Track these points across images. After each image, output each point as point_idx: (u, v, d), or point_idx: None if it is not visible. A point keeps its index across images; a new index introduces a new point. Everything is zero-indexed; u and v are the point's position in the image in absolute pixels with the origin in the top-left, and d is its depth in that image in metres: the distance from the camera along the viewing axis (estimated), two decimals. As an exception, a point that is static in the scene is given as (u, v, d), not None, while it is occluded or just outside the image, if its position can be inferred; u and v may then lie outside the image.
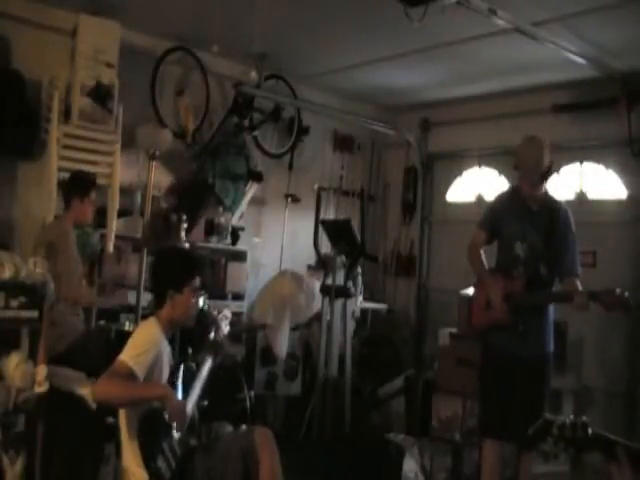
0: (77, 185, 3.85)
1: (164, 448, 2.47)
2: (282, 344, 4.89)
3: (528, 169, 3.32)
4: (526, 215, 3.37)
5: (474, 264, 3.56)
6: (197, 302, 2.83)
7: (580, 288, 3.22)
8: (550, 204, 3.39)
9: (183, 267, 2.80)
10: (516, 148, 3.41)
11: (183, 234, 3.94)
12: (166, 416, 2.46)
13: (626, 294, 3.01)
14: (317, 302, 4.98)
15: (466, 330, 3.71)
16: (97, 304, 4.00)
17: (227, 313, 3.41)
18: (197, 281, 2.77)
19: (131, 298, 4.17)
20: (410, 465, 3.92)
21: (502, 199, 3.60)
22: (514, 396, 3.22)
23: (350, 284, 4.81)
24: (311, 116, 6.04)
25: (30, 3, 4.43)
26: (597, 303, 3.07)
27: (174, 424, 2.49)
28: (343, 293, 4.71)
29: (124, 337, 2.87)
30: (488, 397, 3.42)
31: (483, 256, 3.55)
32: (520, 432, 3.12)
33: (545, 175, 3.32)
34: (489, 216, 3.58)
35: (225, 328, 3.33)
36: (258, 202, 5.89)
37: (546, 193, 3.43)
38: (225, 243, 5.30)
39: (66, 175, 4.06)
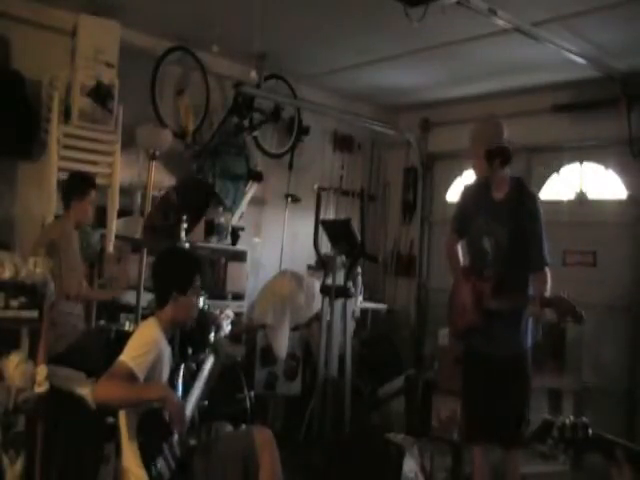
0: (76, 185, 3.85)
1: (164, 448, 2.47)
2: (282, 344, 4.89)
3: (480, 141, 3.19)
4: (491, 208, 3.24)
5: (450, 264, 3.49)
6: (198, 303, 2.83)
7: (549, 281, 3.10)
8: (516, 193, 3.23)
9: (187, 269, 2.79)
10: (473, 128, 3.30)
11: (183, 234, 3.94)
12: (166, 416, 2.46)
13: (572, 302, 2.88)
14: (317, 302, 4.98)
15: (450, 331, 3.66)
16: (98, 298, 4.01)
17: (229, 313, 3.41)
18: (199, 282, 2.77)
19: (131, 298, 4.17)
20: (410, 465, 3.92)
21: (467, 192, 3.47)
22: (495, 397, 3.17)
23: (350, 284, 4.81)
24: (311, 116, 6.04)
25: (30, 3, 4.43)
26: (552, 309, 2.95)
27: (173, 424, 2.49)
28: (343, 293, 4.71)
29: (124, 337, 2.87)
30: (469, 400, 3.37)
31: (460, 253, 3.46)
32: (503, 432, 3.14)
33: (503, 157, 3.17)
34: (456, 214, 3.48)
35: (227, 328, 3.33)
36: (258, 202, 5.89)
37: (513, 180, 3.27)
38: (225, 243, 5.30)
39: (66, 175, 4.06)
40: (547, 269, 3.14)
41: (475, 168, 3.32)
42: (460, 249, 3.47)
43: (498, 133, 3.22)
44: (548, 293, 3.05)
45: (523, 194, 3.24)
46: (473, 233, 3.34)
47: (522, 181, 3.34)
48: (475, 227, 3.32)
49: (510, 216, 3.17)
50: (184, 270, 2.78)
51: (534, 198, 3.27)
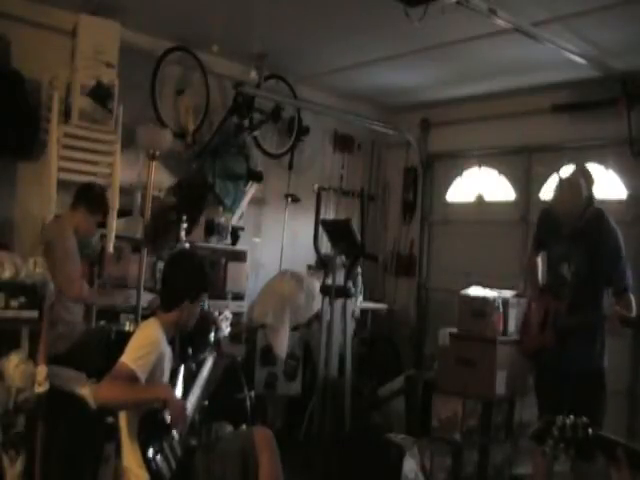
0: (92, 199, 3.83)
1: (164, 448, 2.47)
2: (282, 344, 4.89)
3: (571, 216, 3.35)
4: (570, 235, 3.37)
5: (529, 285, 3.72)
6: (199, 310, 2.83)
7: (633, 303, 3.23)
8: (594, 220, 3.36)
9: (201, 280, 2.82)
10: (553, 195, 3.46)
11: (183, 234, 3.94)
12: (167, 416, 2.46)
13: None
14: (317, 302, 4.98)
15: (522, 349, 3.80)
16: (98, 303, 3.99)
17: (228, 314, 3.41)
18: (206, 295, 2.81)
19: (131, 298, 4.17)
20: (410, 465, 3.92)
21: (545, 217, 3.61)
22: (570, 408, 3.26)
23: (350, 284, 4.81)
24: (311, 116, 6.04)
25: (30, 3, 4.42)
26: (631, 328, 3.20)
27: (175, 424, 2.49)
28: (343, 293, 4.71)
29: (124, 337, 2.87)
30: (543, 410, 3.48)
31: (540, 270, 3.61)
32: None
33: (588, 203, 3.35)
34: (536, 235, 3.64)
35: (226, 329, 3.33)
36: (258, 202, 5.89)
37: (594, 211, 3.41)
38: (225, 243, 5.30)
39: (66, 175, 4.06)
40: (631, 294, 3.26)
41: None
42: (540, 265, 3.61)
43: (581, 199, 3.35)
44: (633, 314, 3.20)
45: (603, 225, 3.37)
46: (552, 259, 3.51)
47: (602, 212, 3.44)
48: (554, 253, 3.48)
49: (591, 242, 3.31)
50: (199, 281, 2.80)
51: (610, 224, 3.39)
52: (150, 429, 2.47)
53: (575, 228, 3.36)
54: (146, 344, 2.55)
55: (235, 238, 5.42)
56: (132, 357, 2.47)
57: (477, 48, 4.70)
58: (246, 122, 5.46)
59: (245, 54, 5.18)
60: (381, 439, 4.15)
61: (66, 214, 3.86)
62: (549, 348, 3.37)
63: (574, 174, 3.49)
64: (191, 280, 2.79)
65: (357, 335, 5.47)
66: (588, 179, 3.41)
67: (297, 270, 5.36)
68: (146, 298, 4.08)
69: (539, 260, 3.63)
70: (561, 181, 3.49)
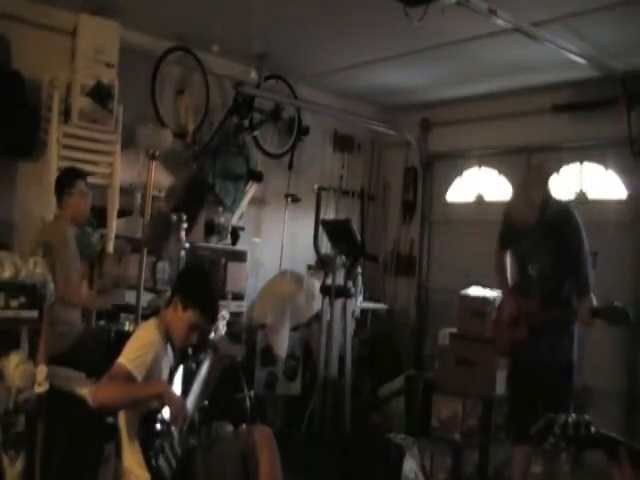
0: (63, 180, 3.76)
1: (165, 448, 2.47)
2: (282, 344, 4.88)
3: (527, 219, 3.34)
4: (531, 236, 3.37)
5: (497, 277, 3.68)
6: (193, 337, 2.74)
7: (594, 304, 3.26)
8: (558, 218, 3.35)
9: (202, 293, 2.76)
10: (509, 201, 3.53)
11: (183, 234, 3.94)
12: (167, 414, 2.46)
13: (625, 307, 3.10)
14: (317, 302, 4.98)
15: (497, 347, 3.81)
16: (96, 307, 3.97)
17: (225, 314, 3.41)
18: (203, 322, 2.72)
19: (131, 298, 4.16)
20: (410, 465, 3.92)
21: (507, 219, 3.59)
22: (541, 404, 3.29)
23: (350, 284, 4.81)
24: (311, 116, 6.04)
25: (30, 3, 4.43)
26: (600, 319, 3.17)
27: (174, 423, 2.49)
28: (343, 293, 4.71)
29: (124, 337, 2.87)
30: (517, 406, 3.51)
31: (508, 268, 3.62)
32: None
33: (544, 204, 3.32)
34: (502, 232, 3.63)
35: (223, 329, 3.33)
36: (258, 202, 5.89)
37: (559, 207, 3.40)
38: (225, 243, 5.30)
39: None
40: (592, 295, 3.29)
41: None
42: (508, 262, 3.62)
43: (533, 199, 3.35)
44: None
45: (568, 225, 3.36)
46: (518, 258, 3.53)
47: (568, 210, 3.43)
48: (519, 254, 3.51)
49: (553, 246, 3.32)
50: (198, 289, 2.76)
51: (575, 220, 3.38)
52: (150, 429, 2.47)
53: (535, 229, 3.34)
54: (143, 345, 2.56)
55: (235, 238, 5.42)
56: (129, 358, 2.48)
57: (477, 48, 4.70)
58: (246, 122, 5.47)
59: (245, 54, 5.18)
60: (381, 439, 4.15)
61: (59, 214, 3.82)
62: (522, 344, 3.39)
63: (528, 176, 3.52)
64: (190, 283, 2.80)
65: (357, 335, 5.47)
66: (543, 179, 3.41)
67: (297, 270, 5.36)
68: (146, 298, 4.08)
69: (507, 258, 3.64)
70: (516, 186, 3.52)
